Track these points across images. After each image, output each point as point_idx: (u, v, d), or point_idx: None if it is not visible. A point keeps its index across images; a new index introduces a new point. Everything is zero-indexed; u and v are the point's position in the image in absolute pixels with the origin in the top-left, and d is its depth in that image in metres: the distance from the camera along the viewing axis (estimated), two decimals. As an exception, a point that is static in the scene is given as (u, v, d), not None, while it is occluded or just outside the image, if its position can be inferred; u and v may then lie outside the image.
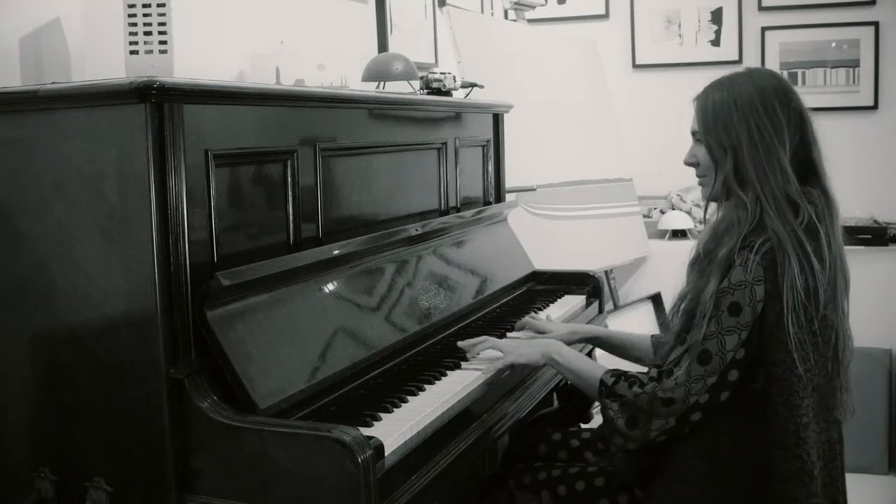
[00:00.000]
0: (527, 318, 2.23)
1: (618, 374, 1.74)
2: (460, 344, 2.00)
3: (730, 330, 1.63)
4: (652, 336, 2.08)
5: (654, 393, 1.66)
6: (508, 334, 2.21)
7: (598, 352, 2.61)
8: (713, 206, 1.80)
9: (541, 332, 2.16)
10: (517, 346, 1.95)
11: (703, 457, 1.69)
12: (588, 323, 2.55)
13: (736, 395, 1.66)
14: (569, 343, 2.15)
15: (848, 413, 1.71)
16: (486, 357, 1.96)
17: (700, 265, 1.71)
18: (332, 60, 2.30)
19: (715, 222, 1.73)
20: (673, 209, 4.31)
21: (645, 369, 1.75)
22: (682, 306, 1.73)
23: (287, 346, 1.63)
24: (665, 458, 1.73)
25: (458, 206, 2.54)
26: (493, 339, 1.98)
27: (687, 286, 1.74)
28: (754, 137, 1.67)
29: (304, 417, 1.59)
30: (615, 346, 2.14)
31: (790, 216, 1.65)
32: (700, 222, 1.82)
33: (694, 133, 1.78)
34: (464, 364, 1.95)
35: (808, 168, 1.73)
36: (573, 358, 1.87)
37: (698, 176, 1.80)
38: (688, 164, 1.81)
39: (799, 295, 1.60)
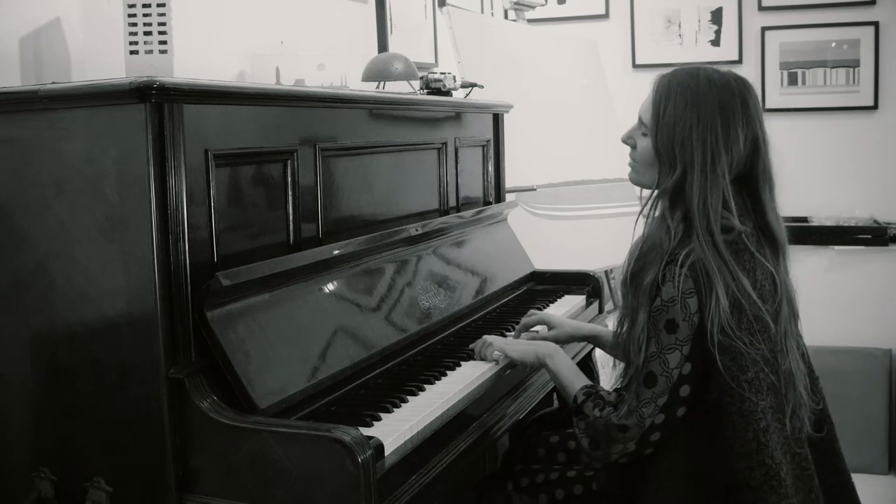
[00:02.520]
0: (541, 314, 2.22)
1: (589, 393, 1.73)
2: (472, 346, 2.02)
3: (670, 348, 1.61)
4: None
5: (610, 419, 1.65)
6: (507, 334, 2.21)
7: (600, 350, 2.61)
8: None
9: (549, 326, 2.17)
10: (517, 343, 1.98)
11: (675, 476, 1.67)
12: (589, 323, 2.56)
13: (695, 410, 1.64)
14: (571, 340, 2.16)
15: (804, 429, 1.68)
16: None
17: (628, 290, 1.69)
18: (332, 60, 2.30)
19: (640, 242, 1.70)
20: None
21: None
22: (624, 331, 1.71)
23: (287, 346, 1.63)
24: (642, 480, 1.71)
25: (458, 206, 2.54)
26: (493, 338, 2.00)
27: (623, 310, 1.72)
28: (706, 164, 1.63)
29: (304, 417, 1.59)
30: (612, 347, 2.14)
31: (718, 236, 1.62)
32: (646, 215, 1.77)
33: (641, 120, 1.73)
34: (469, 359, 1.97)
35: (752, 196, 1.70)
36: (561, 366, 1.85)
37: (631, 158, 1.78)
38: (624, 142, 1.79)
39: (725, 311, 1.57)
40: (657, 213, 1.70)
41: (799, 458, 1.67)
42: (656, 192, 1.71)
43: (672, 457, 1.67)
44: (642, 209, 1.73)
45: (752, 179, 1.69)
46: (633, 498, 1.79)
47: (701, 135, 1.63)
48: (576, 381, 1.80)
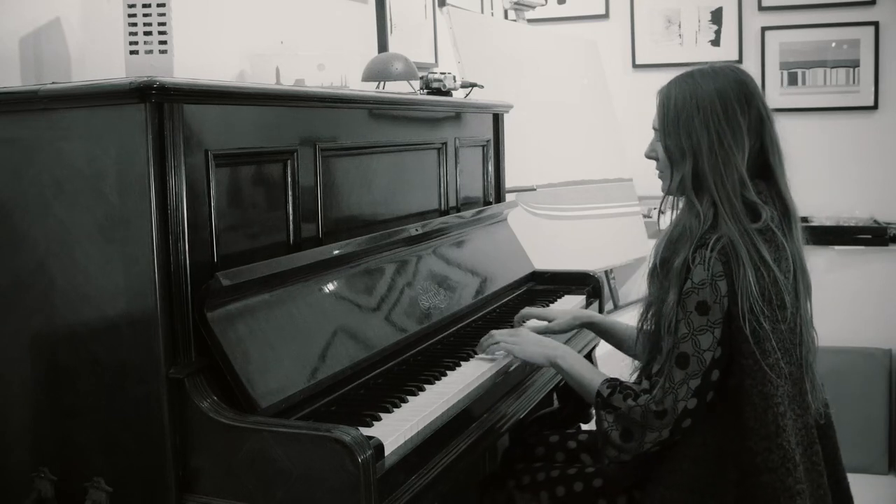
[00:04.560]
0: (527, 309, 2.24)
1: (614, 386, 1.74)
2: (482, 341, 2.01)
3: (702, 329, 1.64)
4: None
5: (648, 406, 1.66)
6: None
7: (600, 350, 2.62)
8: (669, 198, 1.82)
9: (545, 320, 2.18)
10: (526, 346, 1.93)
11: (690, 461, 1.69)
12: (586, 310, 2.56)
13: (716, 395, 1.67)
14: (572, 327, 2.17)
15: (816, 414, 1.72)
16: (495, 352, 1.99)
17: (658, 276, 1.72)
18: (332, 60, 2.30)
19: (669, 229, 1.75)
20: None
21: (628, 359, 1.76)
22: (650, 316, 1.75)
23: (287, 346, 1.63)
24: (655, 464, 1.74)
25: (458, 206, 2.54)
26: (499, 335, 1.97)
27: (650, 297, 1.75)
28: (713, 144, 1.69)
29: (304, 417, 1.59)
30: (605, 332, 2.18)
31: (745, 220, 1.66)
32: (661, 211, 1.87)
33: (654, 130, 1.81)
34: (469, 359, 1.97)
35: (765, 171, 1.75)
36: (575, 364, 1.86)
37: (658, 169, 1.82)
38: (648, 157, 1.85)
39: (754, 293, 1.62)
40: (683, 205, 1.75)
41: (810, 452, 1.69)
42: (676, 185, 1.75)
43: (686, 441, 1.69)
44: (661, 205, 1.81)
45: (762, 152, 1.74)
46: (639, 486, 1.80)
47: (703, 119, 1.70)
48: (594, 376, 1.81)
